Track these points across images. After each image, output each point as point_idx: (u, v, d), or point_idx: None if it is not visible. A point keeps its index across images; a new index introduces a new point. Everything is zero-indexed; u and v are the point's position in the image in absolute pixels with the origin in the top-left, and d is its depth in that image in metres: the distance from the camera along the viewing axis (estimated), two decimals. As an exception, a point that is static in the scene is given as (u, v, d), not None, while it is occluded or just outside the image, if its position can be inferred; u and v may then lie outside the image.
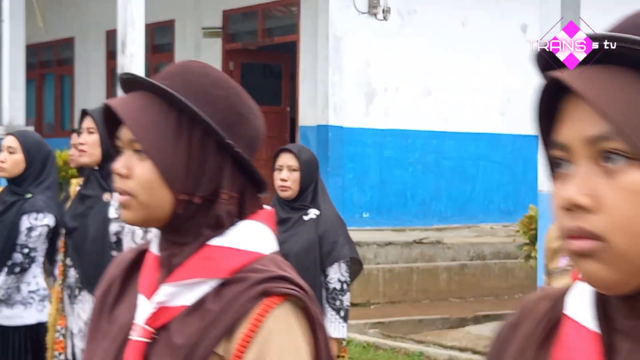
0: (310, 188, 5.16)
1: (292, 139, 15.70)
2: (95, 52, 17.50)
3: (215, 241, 1.77)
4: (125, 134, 1.79)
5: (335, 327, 5.02)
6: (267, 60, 15.39)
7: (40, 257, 5.50)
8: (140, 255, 1.92)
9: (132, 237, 4.48)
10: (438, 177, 14.16)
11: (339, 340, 5.09)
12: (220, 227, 1.78)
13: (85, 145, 4.58)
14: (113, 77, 17.27)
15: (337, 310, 5.04)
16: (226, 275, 1.75)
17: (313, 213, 5.12)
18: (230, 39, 15.21)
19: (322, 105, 13.45)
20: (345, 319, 5.07)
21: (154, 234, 4.55)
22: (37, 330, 5.47)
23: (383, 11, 13.66)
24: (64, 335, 4.67)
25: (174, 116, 1.76)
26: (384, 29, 13.70)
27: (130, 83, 1.85)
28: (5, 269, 5.36)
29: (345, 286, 5.05)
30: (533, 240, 10.05)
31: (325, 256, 5.02)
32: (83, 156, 4.61)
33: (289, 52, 14.82)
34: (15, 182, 5.49)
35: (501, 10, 14.40)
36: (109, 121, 1.85)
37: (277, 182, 5.18)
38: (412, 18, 14.00)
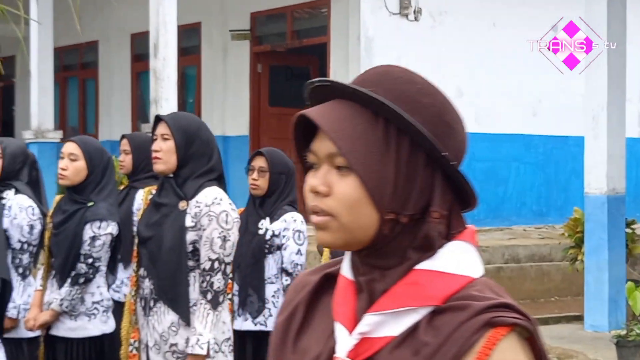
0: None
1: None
2: (119, 56, 17.34)
3: (424, 265, 1.60)
4: (322, 147, 1.61)
5: None
6: (296, 62, 15.22)
7: (103, 267, 5.35)
8: (324, 278, 1.75)
9: (211, 247, 4.33)
10: (471, 179, 13.93)
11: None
12: (429, 249, 1.61)
13: (160, 152, 4.42)
14: (138, 81, 17.13)
15: None
16: (439, 303, 1.58)
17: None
18: (258, 42, 15.03)
19: (354, 107, 13.25)
20: None
21: (232, 242, 4.42)
22: (102, 342, 5.33)
23: (414, 12, 13.47)
24: (137, 349, 4.52)
25: (381, 127, 1.59)
26: (415, 30, 13.51)
27: (320, 91, 1.68)
28: (69, 280, 5.21)
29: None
30: (579, 244, 9.89)
31: None
32: (158, 163, 4.44)
33: (318, 54, 14.67)
34: (76, 190, 5.33)
35: (532, 11, 14.20)
36: (297, 132, 1.68)
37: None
38: (444, 19, 13.81)
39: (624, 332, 8.29)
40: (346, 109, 1.61)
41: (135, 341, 4.49)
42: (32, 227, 5.57)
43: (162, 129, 4.44)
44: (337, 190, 1.59)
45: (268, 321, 5.52)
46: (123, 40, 17.16)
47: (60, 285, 5.25)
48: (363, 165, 1.57)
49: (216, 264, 4.31)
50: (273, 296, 5.57)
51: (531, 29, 14.13)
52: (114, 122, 17.40)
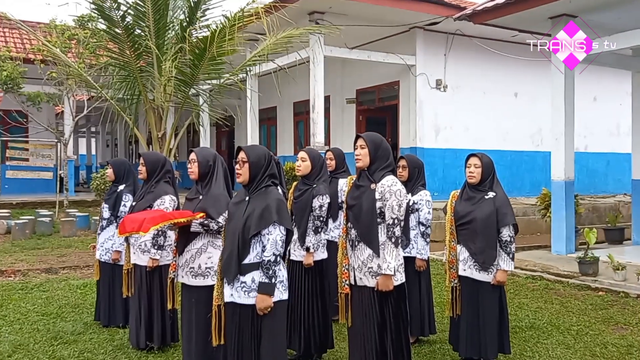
0: (489, 178, 4.19)
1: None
2: (287, 114, 16.71)
3: None
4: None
5: (507, 264, 4.02)
6: (379, 114, 14.38)
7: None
8: None
9: (392, 211, 3.54)
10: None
11: (508, 272, 4.07)
12: None
13: (360, 155, 3.66)
14: (297, 126, 16.46)
15: (509, 254, 4.02)
16: None
17: (491, 194, 4.14)
18: (360, 104, 14.23)
19: (412, 137, 12.37)
20: (513, 259, 4.05)
21: (404, 208, 3.56)
22: (322, 264, 4.57)
23: (444, 87, 12.54)
24: (347, 269, 3.76)
25: None
26: (444, 96, 12.57)
27: None
28: (312, 232, 4.48)
29: (512, 239, 4.04)
30: (547, 207, 8.88)
31: (500, 221, 4.03)
32: (359, 162, 3.67)
33: (392, 110, 13.82)
34: (306, 177, 4.61)
35: (506, 84, 13.15)
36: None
37: (467, 174, 4.22)
38: (459, 90, 12.83)
39: (582, 255, 7.29)
40: None
41: (346, 265, 3.75)
42: None
43: (360, 142, 3.68)
44: None
45: (412, 251, 4.76)
46: (289, 105, 16.53)
47: (298, 231, 4.56)
48: None
49: (396, 221, 3.55)
50: (414, 237, 4.79)
51: (502, 96, 13.12)
52: (285, 146, 16.82)
